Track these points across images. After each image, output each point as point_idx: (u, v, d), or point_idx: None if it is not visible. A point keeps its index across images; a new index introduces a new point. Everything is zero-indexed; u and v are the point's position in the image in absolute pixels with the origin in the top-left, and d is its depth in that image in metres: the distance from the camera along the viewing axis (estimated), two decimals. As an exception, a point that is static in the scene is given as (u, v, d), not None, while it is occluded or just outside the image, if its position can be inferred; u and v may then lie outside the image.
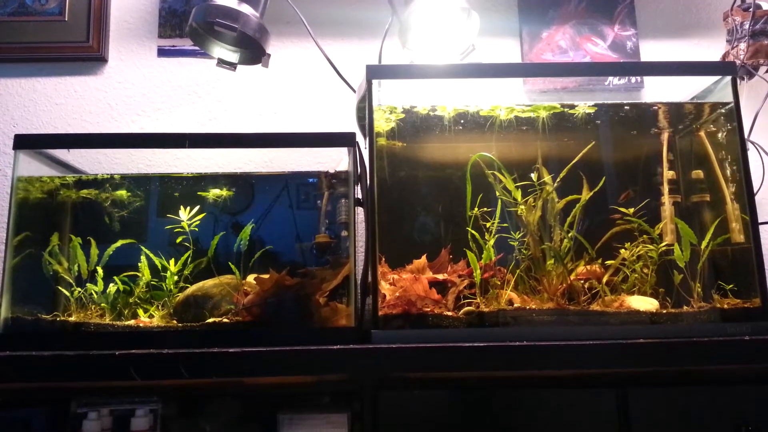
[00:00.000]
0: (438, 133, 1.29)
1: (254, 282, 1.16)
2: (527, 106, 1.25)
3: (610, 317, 1.08)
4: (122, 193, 1.26)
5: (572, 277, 1.16)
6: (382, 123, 1.25)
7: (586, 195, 1.18)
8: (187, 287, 1.18)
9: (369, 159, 1.15)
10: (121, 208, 1.25)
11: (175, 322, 1.15)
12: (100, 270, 1.20)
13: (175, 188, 1.30)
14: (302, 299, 1.16)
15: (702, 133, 1.29)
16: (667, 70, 1.28)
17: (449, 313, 1.09)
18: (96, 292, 1.19)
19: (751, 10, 1.52)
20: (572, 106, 1.25)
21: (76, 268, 1.19)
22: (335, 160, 1.42)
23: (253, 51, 1.43)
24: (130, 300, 1.20)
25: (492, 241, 1.17)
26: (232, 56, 1.46)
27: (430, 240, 1.28)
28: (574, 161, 1.19)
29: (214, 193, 1.25)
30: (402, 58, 1.53)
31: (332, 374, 1.00)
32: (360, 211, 1.24)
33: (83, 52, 1.67)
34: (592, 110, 1.26)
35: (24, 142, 1.19)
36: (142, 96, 1.68)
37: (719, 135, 1.24)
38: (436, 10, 1.38)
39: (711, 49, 1.72)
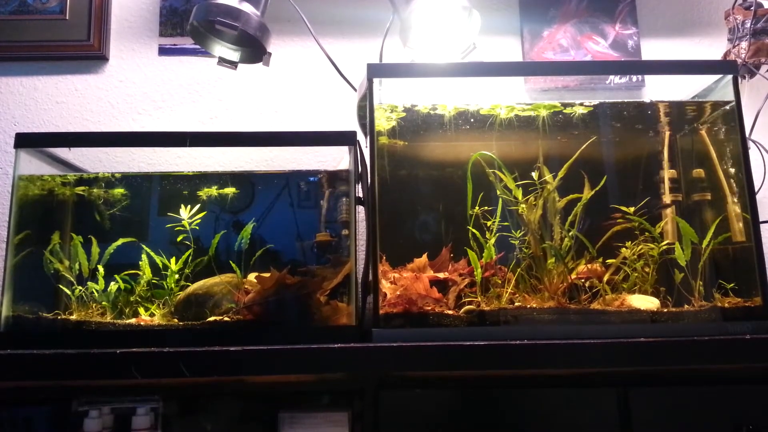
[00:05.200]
0: (439, 132, 1.29)
1: (255, 280, 1.16)
2: (527, 105, 1.25)
3: (611, 316, 1.08)
4: (123, 191, 1.26)
5: (573, 275, 1.16)
6: (383, 122, 1.25)
7: (587, 194, 1.18)
8: (188, 286, 1.18)
9: (370, 158, 1.15)
10: (122, 206, 1.25)
11: (176, 320, 1.15)
12: (101, 268, 1.20)
13: (176, 187, 1.30)
14: (303, 298, 1.16)
15: (703, 132, 1.29)
16: (668, 68, 1.28)
17: (450, 312, 1.09)
18: (97, 291, 1.19)
19: (752, 8, 1.52)
20: (573, 105, 1.24)
21: (77, 266, 1.20)
22: (336, 158, 1.42)
23: (254, 49, 1.43)
24: (131, 298, 1.20)
25: (493, 240, 1.17)
26: (233, 55, 1.46)
27: (431, 239, 1.28)
28: (572, 159, 1.19)
29: (215, 191, 1.25)
30: (403, 56, 1.53)
31: (333, 373, 1.00)
32: (361, 210, 1.24)
33: (84, 50, 1.67)
34: (587, 110, 1.26)
35: (25, 141, 1.19)
36: (143, 94, 1.68)
37: (720, 134, 1.24)
38: (437, 9, 1.38)
39: (712, 47, 1.72)
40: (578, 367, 1.00)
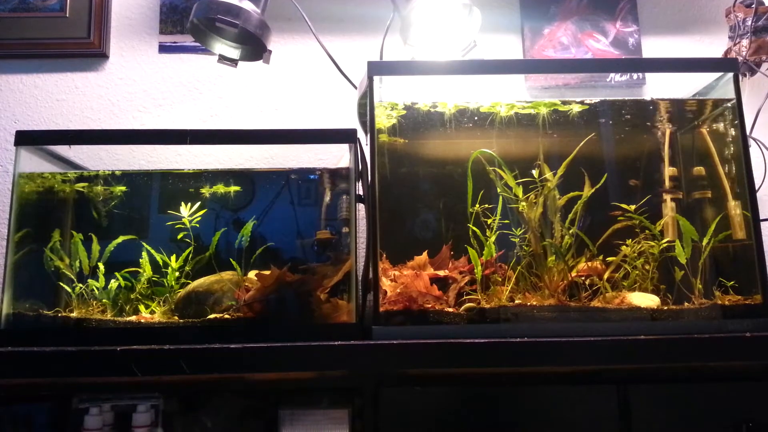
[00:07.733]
0: (439, 130, 1.28)
1: (255, 278, 1.16)
2: (528, 103, 1.25)
3: (611, 314, 1.08)
4: (123, 189, 1.26)
5: (573, 273, 1.16)
6: (384, 119, 1.25)
7: (587, 192, 1.18)
8: (189, 283, 1.18)
9: (370, 155, 1.15)
10: (122, 204, 1.25)
11: (176, 318, 1.15)
12: (101, 266, 1.20)
13: (176, 184, 1.30)
14: (303, 295, 1.16)
15: (704, 130, 1.29)
16: (668, 66, 1.28)
17: (450, 310, 1.09)
18: (97, 288, 1.19)
19: (753, 6, 1.52)
20: (573, 103, 1.24)
21: (77, 264, 1.20)
22: (337, 156, 1.42)
23: (255, 47, 1.43)
24: (132, 296, 1.20)
25: (493, 238, 1.17)
26: (234, 52, 1.46)
27: (432, 236, 1.28)
28: (570, 157, 1.19)
29: (216, 188, 1.25)
30: (403, 54, 1.53)
31: (333, 370, 1.00)
32: (361, 208, 1.24)
33: (84, 48, 1.67)
34: (587, 108, 1.25)
35: (25, 139, 1.19)
36: (144, 92, 1.68)
37: (721, 132, 1.24)
38: (437, 7, 1.37)
39: (713, 45, 1.72)
40: (578, 365, 1.00)
